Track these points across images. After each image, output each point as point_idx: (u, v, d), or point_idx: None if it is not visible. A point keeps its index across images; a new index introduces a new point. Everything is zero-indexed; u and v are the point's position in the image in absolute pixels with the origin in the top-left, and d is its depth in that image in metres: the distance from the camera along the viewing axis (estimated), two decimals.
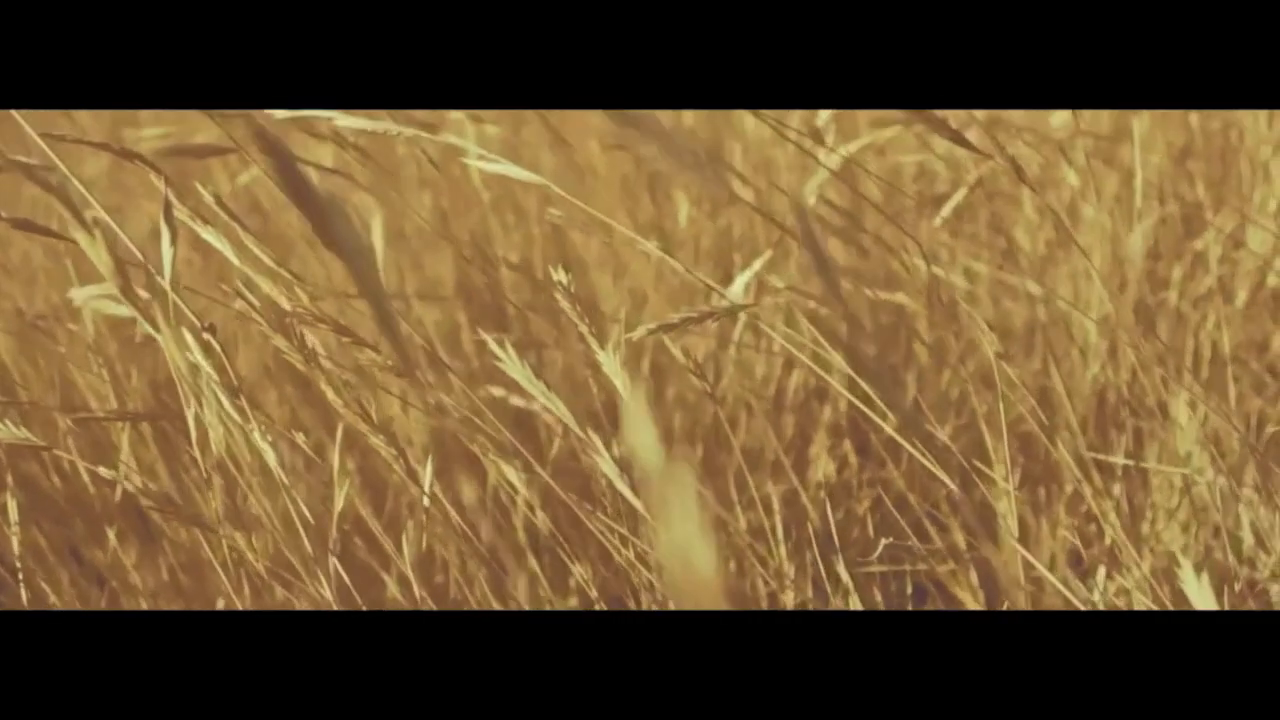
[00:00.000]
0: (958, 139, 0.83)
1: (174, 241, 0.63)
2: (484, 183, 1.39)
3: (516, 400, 1.28)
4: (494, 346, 0.57)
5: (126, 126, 1.24)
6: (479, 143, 1.28)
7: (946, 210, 1.03)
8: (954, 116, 1.36)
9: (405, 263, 1.35)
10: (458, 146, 1.44)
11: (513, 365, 0.59)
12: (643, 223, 1.34)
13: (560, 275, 0.78)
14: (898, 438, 0.62)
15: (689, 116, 1.40)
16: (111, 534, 1.05)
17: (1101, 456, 0.97)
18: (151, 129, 1.21)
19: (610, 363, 0.78)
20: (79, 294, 0.89)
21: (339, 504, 0.87)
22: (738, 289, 1.09)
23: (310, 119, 0.73)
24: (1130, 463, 0.97)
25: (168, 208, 0.63)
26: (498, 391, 1.26)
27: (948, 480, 0.62)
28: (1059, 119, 1.31)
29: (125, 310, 0.99)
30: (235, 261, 0.79)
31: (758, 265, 0.95)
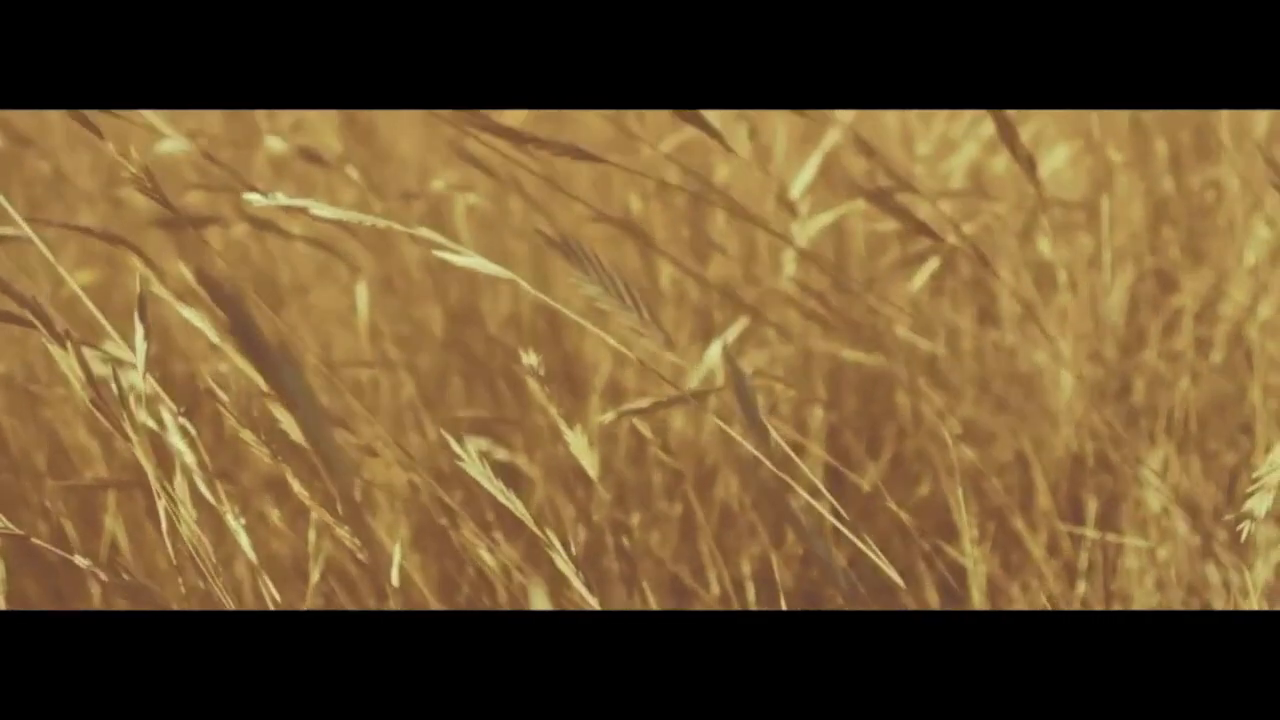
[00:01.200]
0: (923, 230, 0.85)
1: (147, 335, 0.65)
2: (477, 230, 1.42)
3: (501, 454, 1.30)
4: (454, 446, 0.59)
5: (121, 186, 1.27)
6: (463, 210, 1.30)
7: (920, 280, 1.05)
8: (923, 198, 1.39)
9: (394, 310, 1.37)
10: (440, 199, 1.46)
11: (472, 465, 0.61)
12: (627, 282, 1.36)
13: (530, 359, 0.80)
14: (846, 531, 0.64)
15: (672, 175, 1.42)
16: (96, 590, 1.07)
17: (1072, 529, 0.99)
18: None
19: (578, 443, 0.80)
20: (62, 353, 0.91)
21: (314, 576, 0.89)
22: (713, 356, 1.11)
23: (292, 205, 0.76)
24: (1098, 535, 0.98)
25: (142, 303, 0.65)
26: (482, 445, 1.28)
27: (894, 574, 0.64)
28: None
29: (107, 370, 1.01)
30: (216, 340, 0.81)
31: (729, 338, 0.97)
